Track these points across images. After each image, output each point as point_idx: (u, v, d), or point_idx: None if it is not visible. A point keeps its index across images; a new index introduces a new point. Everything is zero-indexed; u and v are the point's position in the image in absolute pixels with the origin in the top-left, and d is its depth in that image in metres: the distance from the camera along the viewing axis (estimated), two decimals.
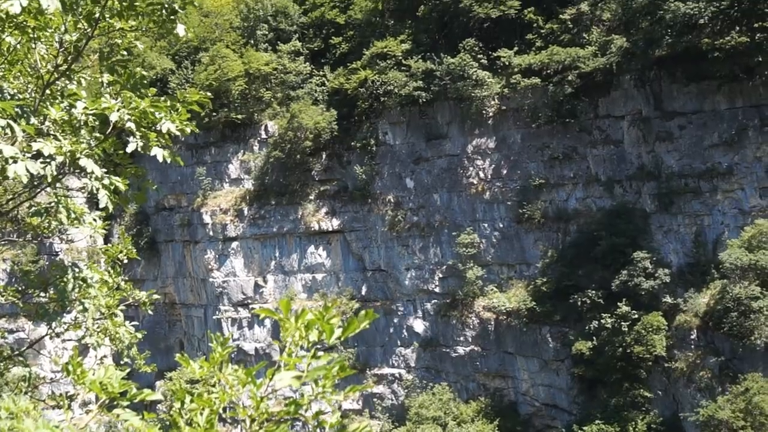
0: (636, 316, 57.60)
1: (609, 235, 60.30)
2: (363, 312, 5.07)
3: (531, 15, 67.90)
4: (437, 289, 71.02)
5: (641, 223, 62.01)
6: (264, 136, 79.13)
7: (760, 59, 56.60)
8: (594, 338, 59.60)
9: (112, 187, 8.53)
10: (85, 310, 11.18)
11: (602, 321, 58.68)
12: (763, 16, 54.66)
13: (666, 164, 62.19)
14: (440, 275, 70.81)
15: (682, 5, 57.61)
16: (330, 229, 75.69)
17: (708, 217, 60.66)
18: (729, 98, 60.31)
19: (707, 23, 57.68)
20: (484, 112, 68.89)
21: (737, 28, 56.51)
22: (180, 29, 9.17)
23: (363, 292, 74.38)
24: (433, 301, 71.30)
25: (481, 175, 69.53)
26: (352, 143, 74.08)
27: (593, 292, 59.65)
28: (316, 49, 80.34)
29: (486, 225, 69.09)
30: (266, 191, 77.54)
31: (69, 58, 9.24)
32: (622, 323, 57.69)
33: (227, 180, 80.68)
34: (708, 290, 58.00)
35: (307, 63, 79.18)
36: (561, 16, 67.63)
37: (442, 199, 71.07)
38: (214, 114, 74.90)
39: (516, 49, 67.77)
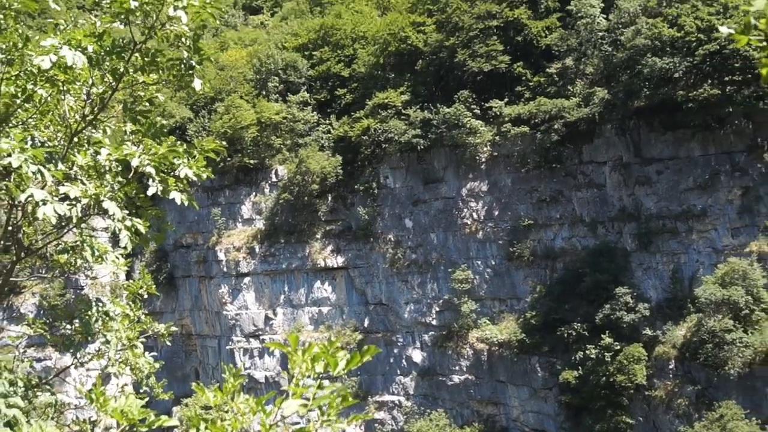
0: (618, 347, 57.40)
1: (593, 272, 60.25)
2: (366, 347, 5.08)
3: (520, 69, 68.32)
4: (434, 322, 70.74)
5: (622, 261, 61.93)
6: (274, 179, 79.33)
7: (730, 110, 56.86)
8: (580, 368, 59.34)
9: (133, 228, 8.52)
10: (108, 342, 11.14)
11: (587, 352, 58.50)
12: (733, 71, 54.93)
13: (645, 206, 62.25)
14: (437, 309, 70.56)
15: (658, 60, 57.97)
16: (335, 266, 75.59)
17: (684, 255, 60.58)
18: (702, 145, 60.50)
19: (681, 77, 58.00)
20: (477, 157, 69.08)
21: (709, 81, 56.80)
22: (197, 83, 9.22)
23: (365, 324, 74.09)
24: (430, 333, 70.98)
25: (475, 216, 69.58)
26: (356, 186, 74.20)
27: (579, 324, 59.49)
28: (322, 99, 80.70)
29: (479, 262, 68.99)
30: (276, 230, 77.62)
31: (95, 109, 9.28)
32: (606, 354, 57.50)
33: (240, 220, 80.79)
34: (685, 323, 57.75)
35: (315, 112, 79.53)
36: (547, 69, 68.07)
37: (438, 238, 71.05)
38: (229, 159, 75.13)
39: (506, 100, 68.10)
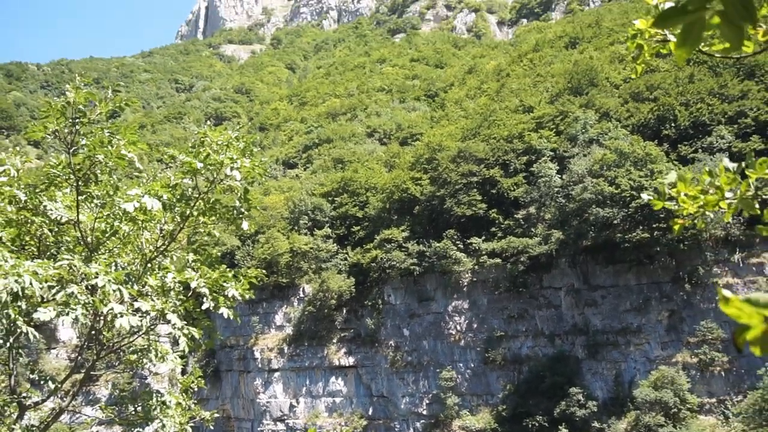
0: None
1: (552, 375, 59.19)
2: None
3: (494, 214, 69.13)
4: (425, 412, 68.82)
5: (575, 366, 60.91)
6: (302, 295, 79.10)
7: (658, 249, 57.15)
8: None
9: (189, 335, 8.52)
10: (164, 426, 10.88)
11: None
12: (659, 220, 55.45)
13: (592, 323, 61.74)
14: (427, 401, 68.83)
15: (601, 210, 58.69)
16: (347, 365, 74.34)
17: (624, 363, 59.54)
18: (637, 276, 60.50)
19: (619, 223, 58.55)
20: (460, 282, 69.04)
21: (640, 227, 57.24)
22: (245, 225, 9.39)
23: (370, 413, 72.15)
24: (421, 421, 68.94)
25: (458, 327, 68.91)
26: (365, 302, 73.90)
27: (541, 417, 57.86)
28: (341, 234, 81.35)
29: (461, 364, 67.80)
30: (301, 335, 76.83)
31: (166, 242, 9.40)
32: None
33: (273, 326, 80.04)
34: (626, 419, 56.08)
35: (335, 244, 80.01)
36: (515, 215, 68.88)
37: (429, 345, 70.10)
38: (267, 278, 75.20)
39: (483, 237, 68.55)
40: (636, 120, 69.57)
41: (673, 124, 66.05)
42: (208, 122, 10.11)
